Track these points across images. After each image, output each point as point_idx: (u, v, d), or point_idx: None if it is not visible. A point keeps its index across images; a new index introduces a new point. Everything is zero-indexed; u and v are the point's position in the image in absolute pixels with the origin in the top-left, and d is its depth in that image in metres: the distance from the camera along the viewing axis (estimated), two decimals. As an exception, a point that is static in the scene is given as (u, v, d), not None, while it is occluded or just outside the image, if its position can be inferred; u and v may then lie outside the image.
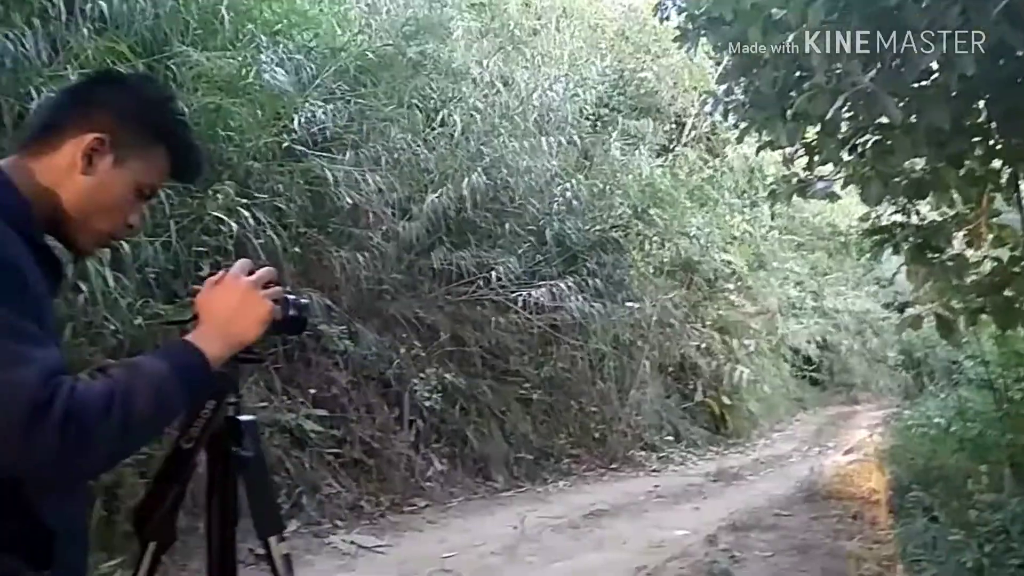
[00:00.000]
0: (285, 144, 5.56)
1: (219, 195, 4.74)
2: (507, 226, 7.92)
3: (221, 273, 1.21)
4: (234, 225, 4.74)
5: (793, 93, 3.80)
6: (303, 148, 5.75)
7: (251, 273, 1.21)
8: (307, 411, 5.36)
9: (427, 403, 6.50)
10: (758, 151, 4.99)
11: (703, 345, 11.64)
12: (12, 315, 0.96)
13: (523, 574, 4.47)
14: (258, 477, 1.30)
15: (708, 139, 13.73)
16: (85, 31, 4.26)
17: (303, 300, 1.34)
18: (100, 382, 1.00)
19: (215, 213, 4.70)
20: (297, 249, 5.45)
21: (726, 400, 11.87)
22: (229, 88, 4.99)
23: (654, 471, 8.67)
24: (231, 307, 1.16)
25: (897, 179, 4.11)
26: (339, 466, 5.55)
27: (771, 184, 5.77)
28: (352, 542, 4.78)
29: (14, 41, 3.76)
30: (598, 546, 5.19)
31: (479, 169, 7.26)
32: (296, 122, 5.64)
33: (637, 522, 5.95)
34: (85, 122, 1.16)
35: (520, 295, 7.53)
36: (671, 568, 4.34)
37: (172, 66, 4.77)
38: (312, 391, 5.55)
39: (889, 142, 3.78)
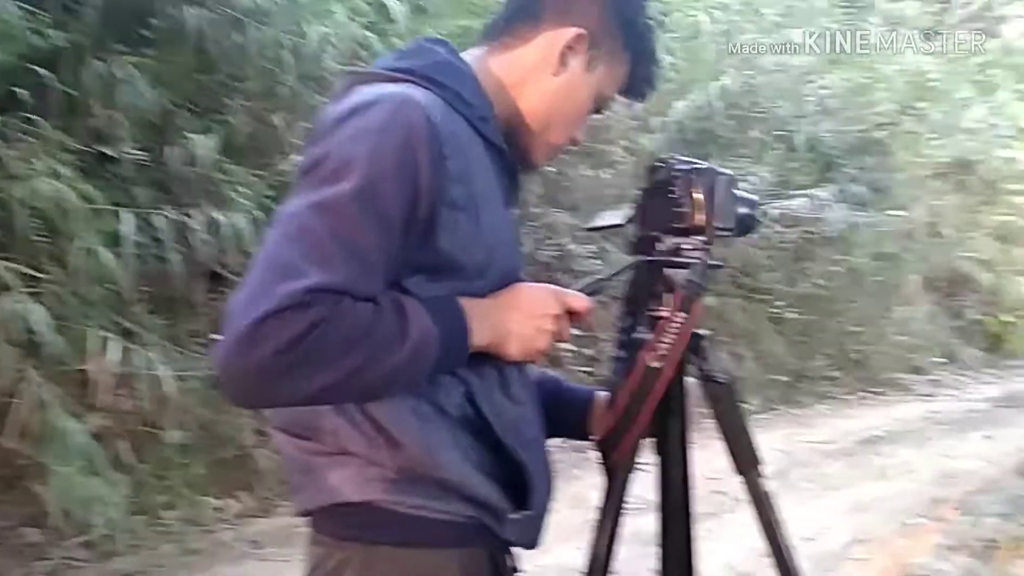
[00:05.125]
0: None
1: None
2: (751, 133, 7.33)
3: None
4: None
5: None
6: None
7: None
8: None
9: (674, 322, 6.28)
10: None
11: (979, 256, 10.24)
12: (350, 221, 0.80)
13: (802, 501, 4.16)
14: (732, 406, 1.10)
15: (982, 17, 11.76)
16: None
17: (752, 196, 1.11)
18: (369, 313, 0.81)
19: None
20: (552, 168, 5.37)
21: (1007, 317, 10.48)
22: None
23: (925, 395, 7.87)
24: (519, 315, 0.94)
25: None
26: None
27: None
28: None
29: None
30: (881, 475, 4.74)
31: (729, 71, 6.72)
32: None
33: (922, 450, 5.38)
34: (566, 13, 0.97)
35: (771, 207, 6.97)
36: (980, 501, 3.83)
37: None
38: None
39: None
